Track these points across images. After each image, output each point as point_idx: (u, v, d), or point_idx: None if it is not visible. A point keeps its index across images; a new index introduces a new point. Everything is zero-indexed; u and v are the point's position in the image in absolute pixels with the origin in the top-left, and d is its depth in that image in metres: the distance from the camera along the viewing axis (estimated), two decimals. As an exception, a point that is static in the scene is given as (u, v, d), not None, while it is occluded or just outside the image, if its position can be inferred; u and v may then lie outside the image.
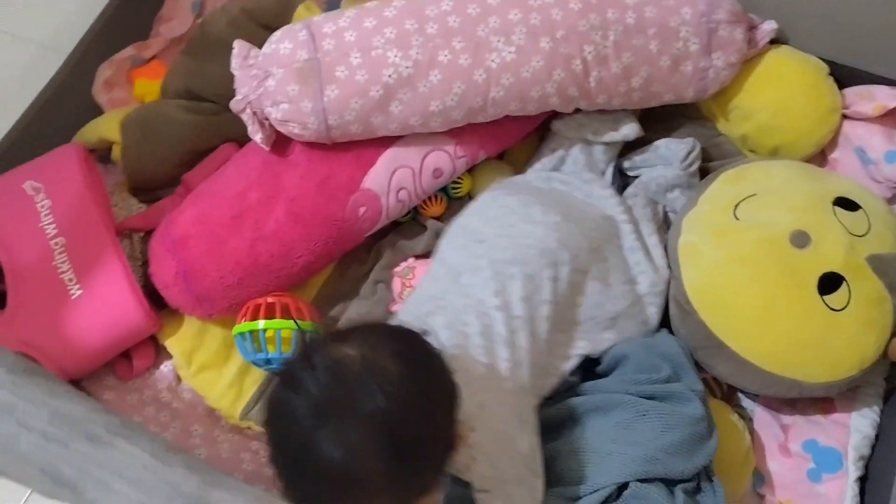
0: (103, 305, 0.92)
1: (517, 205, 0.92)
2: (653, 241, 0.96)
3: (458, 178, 1.04)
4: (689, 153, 1.01)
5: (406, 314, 0.88)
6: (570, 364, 0.87)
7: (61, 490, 0.33)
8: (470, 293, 0.84)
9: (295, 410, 0.62)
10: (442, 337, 0.81)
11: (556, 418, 0.83)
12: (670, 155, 1.02)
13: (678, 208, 1.01)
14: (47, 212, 0.95)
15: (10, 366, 0.35)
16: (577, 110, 1.01)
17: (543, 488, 0.76)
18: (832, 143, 1.06)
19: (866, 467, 0.91)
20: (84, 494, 0.32)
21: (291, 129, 0.94)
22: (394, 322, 0.88)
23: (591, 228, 0.92)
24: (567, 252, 0.87)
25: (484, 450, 0.74)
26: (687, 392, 0.83)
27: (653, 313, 0.92)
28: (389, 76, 0.91)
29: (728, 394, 0.96)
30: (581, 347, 0.88)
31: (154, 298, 0.96)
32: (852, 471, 0.89)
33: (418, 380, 0.64)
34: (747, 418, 0.94)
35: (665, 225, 1.01)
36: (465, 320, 0.82)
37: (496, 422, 0.76)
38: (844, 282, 0.87)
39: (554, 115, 1.04)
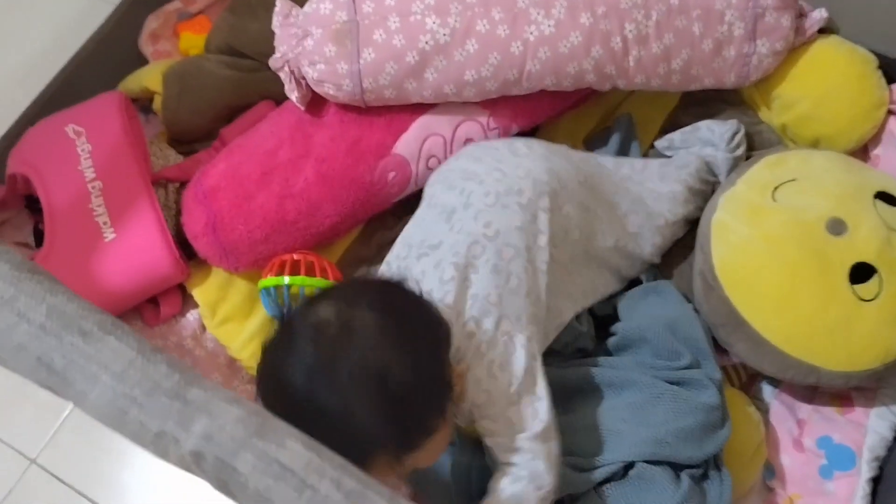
0: (135, 250, 0.95)
1: (502, 144, 0.93)
2: (654, 186, 0.96)
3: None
4: (734, 134, 1.00)
5: (388, 264, 0.88)
6: (576, 306, 0.87)
7: (53, 379, 0.35)
8: (462, 228, 0.83)
9: (286, 378, 0.66)
10: (431, 278, 0.80)
11: (570, 388, 0.84)
12: (713, 137, 1.00)
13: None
14: (87, 156, 0.98)
15: (14, 262, 0.37)
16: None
17: (550, 409, 0.77)
18: (875, 138, 1.03)
19: (880, 468, 0.89)
20: (73, 385, 0.35)
21: (327, 90, 0.95)
22: (376, 274, 0.90)
23: (579, 160, 0.93)
24: (557, 182, 0.87)
25: (475, 376, 0.75)
26: (704, 380, 0.83)
27: (648, 252, 0.94)
28: (426, 42, 0.91)
29: (747, 384, 0.96)
30: (583, 288, 0.88)
31: (184, 248, 0.99)
32: (865, 470, 0.88)
33: (397, 327, 0.67)
34: (764, 410, 0.94)
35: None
36: (455, 254, 0.81)
37: (485, 348, 0.77)
38: (877, 273, 0.86)
39: (590, 93, 1.03)
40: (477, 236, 0.81)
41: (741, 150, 1.00)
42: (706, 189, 0.99)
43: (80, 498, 1.07)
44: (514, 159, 0.88)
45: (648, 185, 0.97)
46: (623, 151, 1.06)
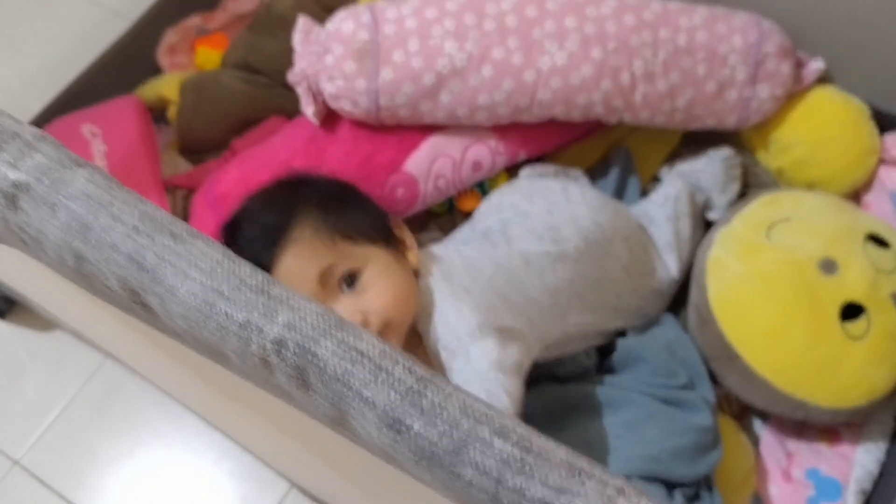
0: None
1: (557, 186, 0.96)
2: (668, 241, 0.99)
3: (496, 174, 1.07)
4: (728, 156, 1.05)
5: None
6: (578, 319, 0.89)
7: (143, 276, 0.36)
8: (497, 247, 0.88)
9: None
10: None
11: (568, 404, 0.85)
12: (707, 159, 1.05)
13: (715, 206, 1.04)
14: (102, 157, 0.99)
15: (108, 175, 0.39)
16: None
17: (503, 356, 0.74)
18: (867, 186, 1.07)
19: (866, 502, 0.91)
20: (163, 281, 0.36)
21: (342, 106, 0.98)
22: None
23: (627, 217, 0.96)
24: (602, 235, 0.90)
25: (445, 305, 0.77)
26: (699, 401, 0.85)
27: (656, 308, 0.96)
28: (443, 65, 0.95)
29: (739, 414, 0.97)
30: (597, 329, 0.90)
31: (190, 253, 1.00)
32: (851, 502, 0.89)
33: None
34: (754, 442, 0.95)
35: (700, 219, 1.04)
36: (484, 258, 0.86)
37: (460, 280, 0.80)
38: (865, 313, 0.88)
39: (597, 126, 1.07)
40: (511, 250, 0.87)
41: (736, 170, 1.05)
42: (696, 210, 1.03)
43: (62, 502, 1.05)
44: (567, 206, 0.92)
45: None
46: (622, 185, 1.09)
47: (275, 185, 0.84)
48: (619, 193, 1.07)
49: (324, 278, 0.74)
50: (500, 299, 0.80)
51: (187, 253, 0.37)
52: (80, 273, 0.38)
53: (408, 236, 0.83)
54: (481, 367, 0.71)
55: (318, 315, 0.35)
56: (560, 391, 0.85)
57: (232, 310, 0.35)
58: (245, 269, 0.37)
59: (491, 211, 0.96)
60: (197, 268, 0.36)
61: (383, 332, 0.74)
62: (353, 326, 0.34)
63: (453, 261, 0.85)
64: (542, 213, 0.91)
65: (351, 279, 0.76)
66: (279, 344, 0.34)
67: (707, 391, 0.86)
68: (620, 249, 0.92)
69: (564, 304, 0.85)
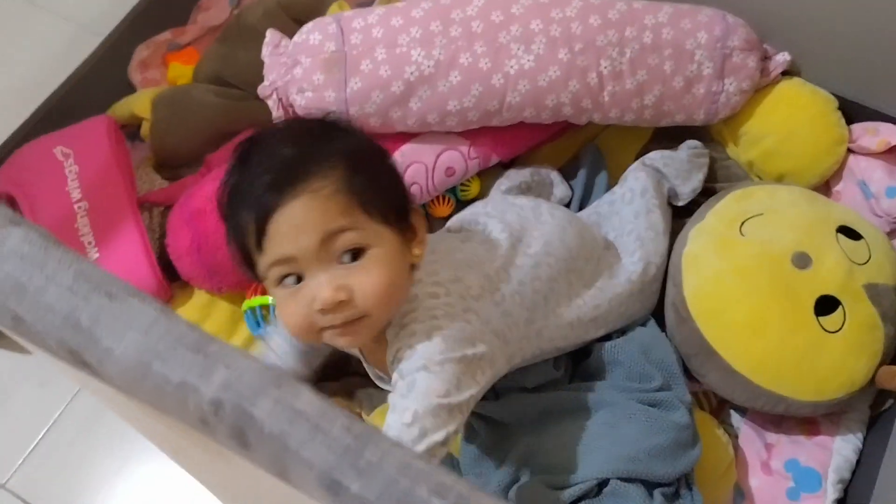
0: (118, 270, 0.94)
1: (528, 205, 0.94)
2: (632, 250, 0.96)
3: (467, 180, 1.08)
4: (694, 146, 1.05)
5: None
6: (552, 335, 0.86)
7: (79, 336, 0.37)
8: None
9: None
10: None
11: (543, 410, 0.85)
12: (671, 151, 1.05)
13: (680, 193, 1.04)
14: (74, 177, 0.99)
15: (43, 233, 0.40)
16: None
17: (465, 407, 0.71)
18: (837, 175, 1.09)
19: (845, 491, 0.92)
20: (99, 342, 0.36)
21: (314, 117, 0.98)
22: None
23: (590, 235, 0.94)
24: (567, 252, 0.89)
25: (420, 326, 0.71)
26: (675, 401, 0.86)
27: (640, 308, 0.95)
28: (411, 73, 0.95)
29: (717, 409, 0.98)
30: (569, 342, 0.89)
31: (167, 271, 1.00)
32: (831, 492, 0.90)
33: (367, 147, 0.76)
34: (733, 435, 0.96)
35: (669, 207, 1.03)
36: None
37: (440, 313, 0.73)
38: (840, 305, 0.89)
39: (567, 126, 1.08)
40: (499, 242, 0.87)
41: (703, 158, 1.05)
42: (664, 200, 1.02)
43: (53, 523, 1.05)
44: (536, 223, 0.90)
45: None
46: (590, 183, 1.09)
47: (312, 120, 0.79)
48: (589, 191, 1.08)
49: (326, 241, 0.67)
50: (478, 319, 0.76)
51: (122, 312, 0.37)
52: (20, 333, 0.39)
53: (421, 228, 0.76)
54: (418, 403, 0.67)
55: (255, 373, 0.35)
56: (534, 398, 0.85)
57: (167, 370, 0.35)
58: (181, 326, 0.37)
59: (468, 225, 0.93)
60: (132, 328, 0.36)
61: (356, 322, 0.69)
62: (292, 384, 0.35)
63: (441, 274, 0.78)
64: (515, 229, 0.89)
65: (355, 254, 0.68)
66: (216, 405, 0.34)
67: (682, 392, 0.87)
68: (585, 266, 0.90)
69: (540, 322, 0.84)
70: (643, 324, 0.95)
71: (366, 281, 0.68)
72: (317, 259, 0.68)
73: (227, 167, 0.75)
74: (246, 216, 0.69)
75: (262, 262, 0.70)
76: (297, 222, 0.67)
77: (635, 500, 0.80)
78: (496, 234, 0.86)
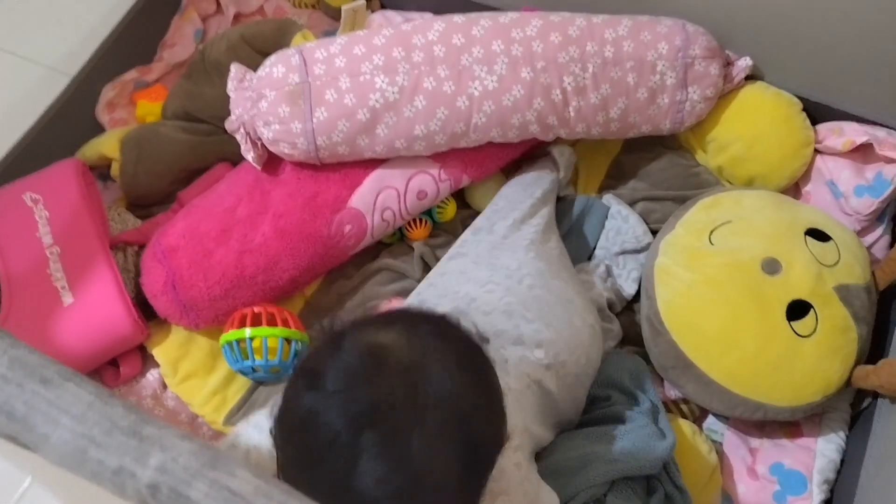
0: (93, 313, 0.95)
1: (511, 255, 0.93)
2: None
3: (443, 202, 1.08)
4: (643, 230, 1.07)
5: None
6: None
7: (14, 426, 0.37)
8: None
9: (327, 417, 0.51)
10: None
11: None
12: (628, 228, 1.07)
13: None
14: (45, 222, 0.99)
15: None
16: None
17: None
18: (805, 176, 1.09)
19: (831, 491, 0.92)
20: (35, 429, 0.36)
21: (282, 149, 0.98)
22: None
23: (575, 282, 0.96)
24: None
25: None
26: (627, 412, 0.87)
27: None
28: (376, 101, 0.96)
29: (699, 417, 0.98)
30: None
31: (144, 309, 0.99)
32: (816, 493, 0.91)
33: (473, 365, 0.56)
34: (717, 441, 0.96)
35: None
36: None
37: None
38: (812, 309, 0.90)
39: (536, 143, 1.08)
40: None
41: (645, 241, 1.06)
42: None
43: None
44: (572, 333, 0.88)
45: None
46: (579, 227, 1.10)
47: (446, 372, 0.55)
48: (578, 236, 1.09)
49: None
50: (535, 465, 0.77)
51: (58, 399, 0.37)
52: None
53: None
54: None
55: (190, 454, 0.35)
56: None
57: (104, 456, 0.35)
58: (117, 410, 0.37)
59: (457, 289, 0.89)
60: (68, 414, 0.36)
61: None
62: (227, 463, 0.35)
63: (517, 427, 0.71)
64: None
65: None
66: (153, 488, 0.34)
67: (640, 401, 0.88)
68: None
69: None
70: None
71: None
72: None
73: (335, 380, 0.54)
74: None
75: None
76: None
77: (634, 501, 0.81)
78: (534, 356, 0.82)
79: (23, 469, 1.04)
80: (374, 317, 0.60)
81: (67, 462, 0.36)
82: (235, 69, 1.00)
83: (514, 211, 1.00)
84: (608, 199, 1.10)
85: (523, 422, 0.73)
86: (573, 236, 1.08)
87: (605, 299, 1.01)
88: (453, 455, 0.52)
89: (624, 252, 1.05)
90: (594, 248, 1.08)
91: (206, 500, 0.34)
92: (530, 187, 1.05)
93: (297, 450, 0.53)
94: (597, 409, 0.89)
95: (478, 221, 1.03)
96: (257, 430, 0.76)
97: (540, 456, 0.84)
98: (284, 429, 0.54)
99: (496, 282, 0.88)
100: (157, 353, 0.99)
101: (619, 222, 1.08)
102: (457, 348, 0.56)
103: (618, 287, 1.04)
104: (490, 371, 0.59)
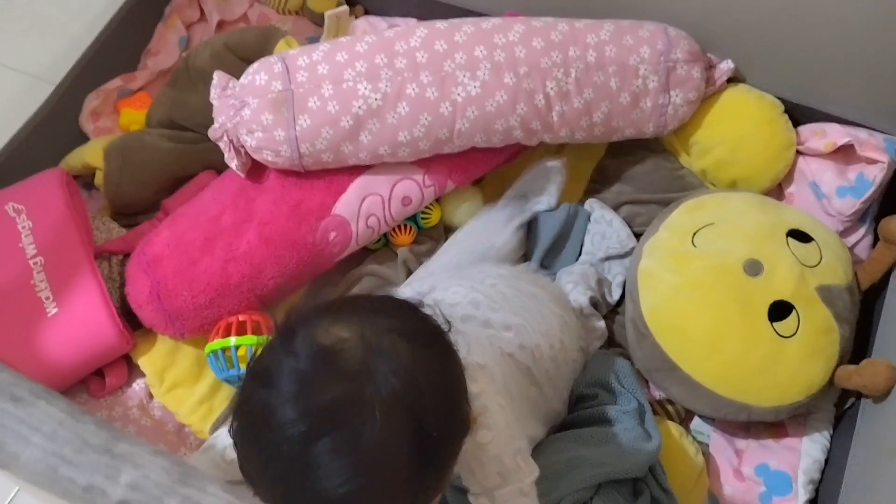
0: (78, 324, 0.95)
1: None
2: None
3: (428, 208, 1.08)
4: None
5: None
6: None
7: None
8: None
9: (279, 416, 0.52)
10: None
11: None
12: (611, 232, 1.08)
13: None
14: (28, 233, 0.98)
15: None
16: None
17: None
18: (788, 177, 1.10)
19: (816, 491, 0.93)
20: (4, 447, 0.36)
21: (265, 157, 0.98)
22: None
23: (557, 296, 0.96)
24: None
25: (490, 452, 0.68)
26: (613, 414, 0.87)
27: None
28: (359, 107, 0.96)
29: (685, 418, 0.99)
30: None
31: (129, 319, 0.99)
32: (802, 494, 0.91)
33: (431, 353, 0.57)
34: (703, 443, 0.97)
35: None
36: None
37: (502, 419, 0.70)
38: (794, 310, 0.90)
39: (520, 148, 1.08)
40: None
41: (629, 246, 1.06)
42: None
43: None
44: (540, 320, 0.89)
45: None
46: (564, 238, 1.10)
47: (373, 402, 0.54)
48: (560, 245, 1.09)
49: None
50: (525, 423, 0.78)
51: (28, 416, 0.37)
52: None
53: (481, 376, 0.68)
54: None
55: (162, 470, 0.35)
56: None
57: (74, 473, 0.35)
58: (89, 427, 0.37)
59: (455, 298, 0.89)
60: (38, 432, 0.36)
61: None
62: (199, 479, 0.35)
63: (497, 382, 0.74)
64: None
65: None
66: None
67: (625, 402, 0.88)
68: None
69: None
70: None
71: None
72: None
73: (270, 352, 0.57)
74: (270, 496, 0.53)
75: None
76: None
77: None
78: (503, 336, 0.83)
79: (10, 479, 1.04)
80: (329, 306, 0.60)
81: (39, 480, 0.36)
82: (218, 77, 1.00)
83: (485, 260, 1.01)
84: (591, 203, 1.10)
85: (503, 382, 0.74)
86: (559, 245, 1.08)
87: (589, 298, 1.01)
88: (409, 450, 0.53)
89: (609, 257, 1.06)
90: (580, 256, 1.09)
91: None
92: (504, 229, 1.04)
93: (252, 446, 0.54)
94: (581, 408, 0.89)
95: (445, 257, 1.03)
96: None
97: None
98: (241, 425, 0.55)
99: (460, 284, 0.90)
100: (143, 362, 0.99)
101: (604, 227, 1.08)
102: (414, 337, 0.57)
103: (603, 291, 1.04)
104: (451, 357, 0.60)
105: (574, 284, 1.02)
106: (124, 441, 0.37)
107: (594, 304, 1.02)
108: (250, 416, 0.54)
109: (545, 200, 1.09)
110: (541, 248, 1.07)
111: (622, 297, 1.03)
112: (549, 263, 1.08)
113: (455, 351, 0.61)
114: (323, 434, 0.51)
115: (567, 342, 0.90)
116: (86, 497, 0.35)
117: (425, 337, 0.59)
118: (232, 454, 0.72)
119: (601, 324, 1.01)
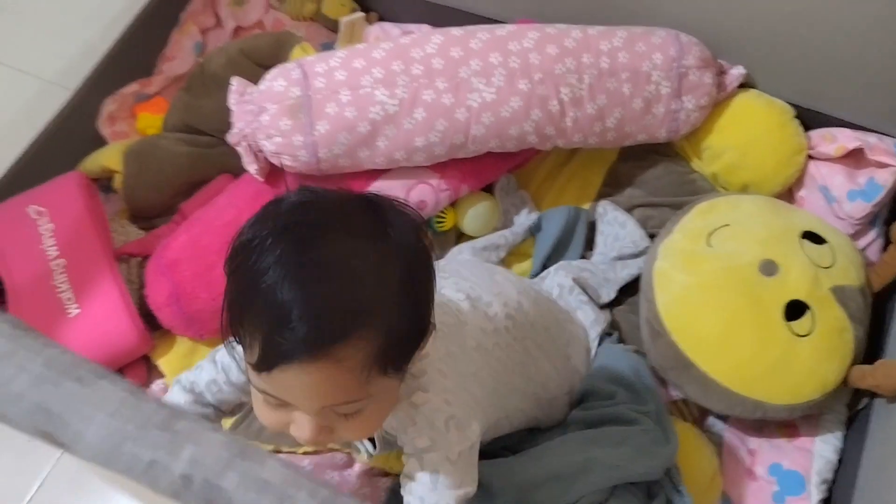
0: (99, 324, 0.96)
1: (484, 270, 0.93)
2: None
3: (442, 212, 1.10)
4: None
5: None
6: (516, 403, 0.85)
7: (52, 423, 0.38)
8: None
9: (257, 230, 0.58)
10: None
11: (515, 468, 0.85)
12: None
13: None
14: (49, 235, 1.00)
15: (12, 321, 0.41)
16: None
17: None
18: (799, 181, 1.11)
19: (829, 491, 0.94)
20: (70, 425, 0.38)
21: (284, 161, 1.00)
22: None
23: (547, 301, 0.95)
24: (524, 315, 0.87)
25: (423, 413, 0.69)
26: (631, 413, 0.88)
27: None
28: (376, 113, 0.97)
29: (698, 419, 1.00)
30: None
31: (148, 320, 1.01)
32: (815, 494, 0.92)
33: (410, 235, 0.61)
34: (716, 443, 0.98)
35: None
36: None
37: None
38: (809, 309, 0.92)
39: (533, 153, 1.10)
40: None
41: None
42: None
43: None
44: (493, 285, 0.88)
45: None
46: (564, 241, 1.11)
47: (350, 250, 0.58)
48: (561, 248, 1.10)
49: (324, 409, 0.60)
50: (470, 396, 0.75)
51: (92, 395, 0.38)
52: None
53: (428, 337, 0.67)
54: (449, 497, 0.69)
55: (221, 446, 0.36)
56: (508, 461, 0.86)
57: (138, 449, 0.36)
58: (150, 405, 0.38)
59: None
60: (102, 410, 0.37)
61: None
62: (258, 454, 0.36)
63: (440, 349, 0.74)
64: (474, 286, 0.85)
65: (350, 413, 0.62)
66: (186, 479, 0.36)
67: (643, 401, 0.89)
68: (545, 334, 0.90)
69: (503, 390, 0.82)
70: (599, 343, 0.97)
71: (353, 429, 0.63)
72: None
73: (252, 222, 0.61)
74: (252, 337, 0.57)
75: (251, 374, 0.60)
76: (305, 385, 0.57)
77: None
78: (454, 296, 0.82)
79: (32, 475, 1.06)
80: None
81: (101, 457, 0.37)
82: (237, 83, 1.02)
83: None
84: (604, 206, 1.11)
85: (447, 348, 0.74)
86: (560, 248, 1.09)
87: (572, 279, 1.00)
88: (398, 286, 0.58)
89: (621, 257, 1.07)
90: (581, 258, 1.09)
91: (238, 489, 0.35)
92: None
93: (235, 273, 0.59)
94: (599, 405, 0.89)
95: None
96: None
97: (532, 456, 0.85)
98: (230, 256, 0.60)
99: None
100: (162, 363, 1.00)
101: (616, 229, 1.09)
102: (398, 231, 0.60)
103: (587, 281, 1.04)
104: (424, 248, 0.63)
105: (555, 269, 1.03)
106: (184, 419, 0.38)
107: (582, 286, 1.02)
108: (238, 244, 0.59)
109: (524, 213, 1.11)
110: (542, 252, 1.08)
111: (636, 296, 1.04)
112: (550, 266, 1.08)
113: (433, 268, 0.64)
114: (291, 236, 0.57)
115: (526, 304, 0.87)
116: (149, 472, 0.36)
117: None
118: (236, 373, 0.76)
119: (602, 314, 1.00)
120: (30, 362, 0.39)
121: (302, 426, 0.61)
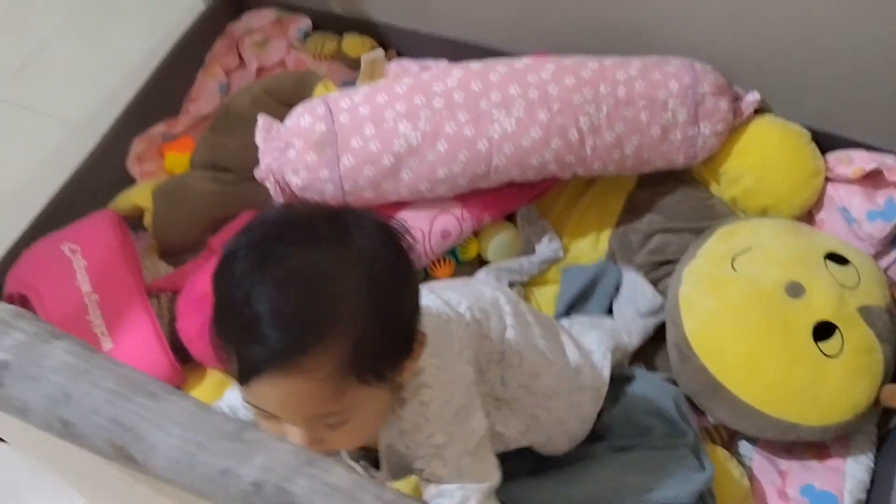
0: (132, 357, 0.98)
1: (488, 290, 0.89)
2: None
3: (465, 240, 1.11)
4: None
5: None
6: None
7: (127, 434, 0.40)
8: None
9: (237, 245, 0.60)
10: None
11: (548, 491, 0.85)
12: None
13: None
14: (83, 271, 1.03)
15: (82, 343, 0.43)
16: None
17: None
18: (818, 204, 1.12)
19: (863, 511, 0.93)
20: (145, 439, 0.39)
21: (311, 195, 1.02)
22: None
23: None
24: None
25: (433, 408, 0.69)
26: (669, 441, 0.88)
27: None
28: (400, 146, 1.00)
29: (728, 442, 1.00)
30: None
31: (179, 354, 1.02)
32: (848, 514, 0.92)
33: (396, 251, 0.63)
34: (746, 465, 0.98)
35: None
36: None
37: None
38: (837, 330, 0.92)
39: (553, 182, 1.12)
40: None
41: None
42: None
43: None
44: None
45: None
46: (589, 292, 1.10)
47: (307, 260, 0.60)
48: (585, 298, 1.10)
49: (308, 420, 0.61)
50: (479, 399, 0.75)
51: (165, 410, 0.40)
52: (69, 435, 0.42)
53: (420, 348, 0.67)
54: (476, 488, 0.69)
55: (290, 454, 0.38)
56: (534, 483, 0.86)
57: (211, 459, 0.38)
58: (219, 417, 0.40)
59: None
60: (176, 423, 0.39)
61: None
62: (324, 461, 0.38)
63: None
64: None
65: (336, 424, 0.63)
66: (257, 486, 0.37)
67: (681, 432, 0.89)
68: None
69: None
70: (632, 375, 0.97)
71: (342, 440, 0.65)
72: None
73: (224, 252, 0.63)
74: (228, 351, 0.60)
75: (239, 388, 0.62)
76: (279, 398, 0.59)
77: None
78: (463, 310, 0.81)
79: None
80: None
81: (175, 468, 0.39)
82: (263, 120, 1.05)
83: None
84: (625, 269, 1.10)
85: (434, 359, 0.73)
86: (590, 301, 1.09)
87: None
88: (366, 295, 0.59)
89: (638, 314, 1.06)
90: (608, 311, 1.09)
91: (308, 494, 0.37)
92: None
93: (215, 288, 0.61)
94: (633, 440, 0.89)
95: None
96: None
97: (564, 478, 0.85)
98: (214, 272, 0.62)
99: None
100: (194, 395, 1.01)
101: (632, 291, 1.09)
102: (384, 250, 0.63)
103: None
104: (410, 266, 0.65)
105: (569, 323, 1.02)
106: (252, 429, 0.40)
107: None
108: (220, 261, 0.61)
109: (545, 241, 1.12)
110: (564, 300, 1.08)
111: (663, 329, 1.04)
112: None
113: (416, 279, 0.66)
114: (265, 248, 0.59)
115: (506, 307, 0.85)
116: (221, 479, 0.38)
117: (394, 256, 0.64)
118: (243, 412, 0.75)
119: (596, 333, 0.98)
120: (103, 380, 0.41)
121: (293, 437, 0.61)
